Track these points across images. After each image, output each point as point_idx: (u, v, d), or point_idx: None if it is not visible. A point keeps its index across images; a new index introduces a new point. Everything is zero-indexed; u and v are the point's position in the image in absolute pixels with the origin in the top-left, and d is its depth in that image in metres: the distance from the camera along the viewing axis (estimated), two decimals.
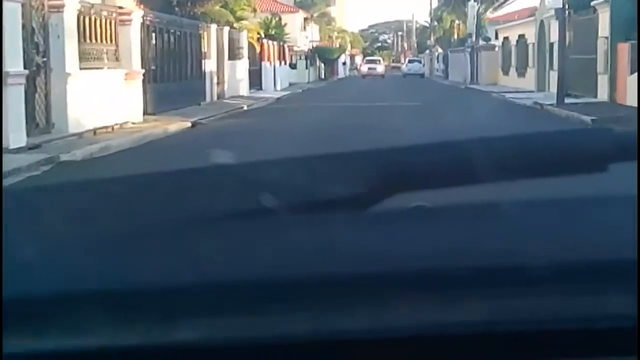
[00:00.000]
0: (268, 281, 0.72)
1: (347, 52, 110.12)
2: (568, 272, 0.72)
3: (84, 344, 0.70)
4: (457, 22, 68.71)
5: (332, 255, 0.75)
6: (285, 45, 57.48)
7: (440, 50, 78.19)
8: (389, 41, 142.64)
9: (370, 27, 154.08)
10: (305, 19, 75.90)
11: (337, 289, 0.71)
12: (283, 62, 45.85)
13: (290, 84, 46.18)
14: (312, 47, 62.42)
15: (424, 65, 70.93)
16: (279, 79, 41.78)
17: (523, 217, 0.81)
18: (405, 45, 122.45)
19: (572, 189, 0.85)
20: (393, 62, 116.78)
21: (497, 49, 45.20)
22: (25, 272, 0.74)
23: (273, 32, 57.30)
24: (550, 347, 0.71)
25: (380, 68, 66.22)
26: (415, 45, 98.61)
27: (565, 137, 0.91)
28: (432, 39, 76.71)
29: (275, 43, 42.96)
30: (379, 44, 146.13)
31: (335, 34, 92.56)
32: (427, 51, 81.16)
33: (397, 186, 0.84)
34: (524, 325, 0.71)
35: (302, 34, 70.37)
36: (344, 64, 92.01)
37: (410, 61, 71.36)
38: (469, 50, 45.92)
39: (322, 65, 63.33)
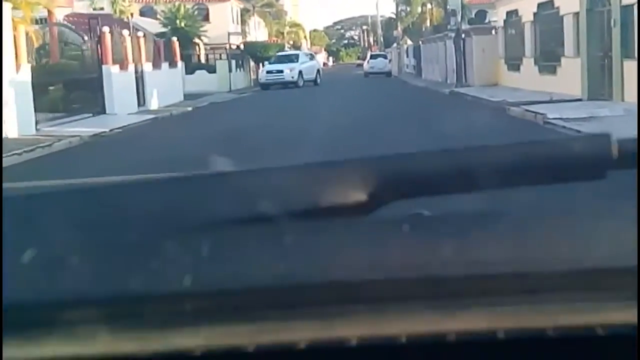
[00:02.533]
0: (266, 288, 0.72)
1: (307, 49, 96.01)
2: (567, 279, 0.71)
3: (83, 351, 0.69)
4: (429, 5, 52.62)
5: (331, 262, 0.74)
6: (200, 41, 41.20)
7: (409, 42, 61.92)
8: (356, 37, 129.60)
9: (336, 23, 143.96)
10: (246, 11, 59.77)
11: (335, 296, 0.71)
12: (171, 64, 29.01)
13: (192, 96, 29.79)
14: (241, 44, 45.59)
15: (390, 62, 54.43)
16: (154, 92, 25.00)
17: (522, 225, 0.80)
18: (371, 40, 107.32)
19: (571, 197, 0.84)
20: (358, 59, 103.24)
21: (495, 31, 28.60)
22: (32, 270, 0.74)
23: (183, 25, 41.16)
24: (550, 355, 0.71)
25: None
26: (382, 39, 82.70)
27: (563, 145, 0.90)
28: (399, 28, 60.27)
29: (144, 37, 26.08)
30: (346, 41, 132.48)
31: (287, 28, 76.58)
32: (395, 44, 64.79)
33: (396, 194, 0.84)
34: (524, 333, 0.69)
35: (237, 28, 54.15)
36: None
37: (372, 57, 54.86)
38: (453, 36, 29.36)
39: (255, 66, 46.58)
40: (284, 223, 0.79)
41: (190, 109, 25.20)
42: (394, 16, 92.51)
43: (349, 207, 0.81)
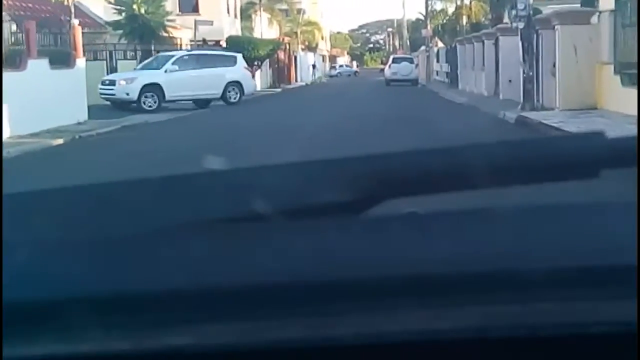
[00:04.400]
0: (260, 286, 0.71)
1: (327, 52, 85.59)
2: (562, 277, 0.70)
3: (76, 350, 0.69)
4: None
5: (324, 261, 0.73)
6: (168, 34, 30.13)
7: (440, 44, 50.35)
8: (382, 42, 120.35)
9: (361, 27, 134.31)
10: (251, 5, 48.60)
11: (329, 294, 0.70)
12: (65, 63, 17.60)
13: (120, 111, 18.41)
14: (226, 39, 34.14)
15: (417, 66, 42.78)
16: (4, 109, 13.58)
17: (516, 223, 0.79)
18: (397, 43, 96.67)
19: (565, 195, 0.83)
20: (382, 63, 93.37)
21: (595, 18, 16.84)
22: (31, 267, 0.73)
23: (143, 11, 30.00)
24: (544, 354, 0.70)
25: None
26: (408, 42, 71.31)
27: (556, 143, 0.91)
28: (428, 27, 48.60)
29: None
30: (371, 45, 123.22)
31: (302, 27, 65.36)
32: (422, 47, 53.33)
33: (390, 192, 0.83)
34: (518, 331, 0.69)
35: (235, 23, 43.09)
36: (314, 66, 65.42)
37: (395, 60, 43.36)
38: (521, 27, 17.58)
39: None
40: (276, 221, 0.78)
41: (61, 141, 13.87)
42: (422, 17, 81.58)
43: (342, 205, 0.80)
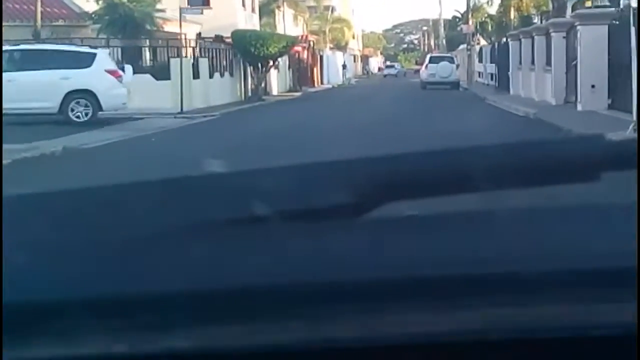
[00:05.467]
0: (259, 289, 0.71)
1: (359, 51, 79.88)
2: (561, 279, 0.70)
3: (76, 353, 0.69)
4: None
5: (324, 263, 0.73)
6: (155, 27, 24.51)
7: (482, 42, 44.25)
8: (416, 42, 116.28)
9: (395, 26, 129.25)
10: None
11: (328, 297, 0.70)
12: None
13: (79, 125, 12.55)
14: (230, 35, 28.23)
15: (458, 67, 36.53)
16: None
17: (516, 226, 0.79)
18: (432, 42, 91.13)
19: (564, 198, 0.83)
20: (416, 63, 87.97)
21: None
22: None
23: (125, 0, 24.29)
24: (543, 356, 0.71)
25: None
26: (444, 42, 65.32)
27: (557, 146, 0.89)
28: (470, 22, 42.34)
29: None
30: (405, 45, 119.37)
31: (330, 24, 59.59)
32: (461, 46, 47.16)
33: (389, 195, 0.83)
34: (517, 333, 0.69)
35: (252, 18, 37.37)
36: (344, 66, 59.65)
37: (433, 60, 37.08)
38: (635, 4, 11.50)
39: (252, 70, 29.09)
40: (277, 224, 0.78)
41: None
42: (459, 15, 75.52)
43: (343, 208, 0.79)
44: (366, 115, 19.10)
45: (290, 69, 39.94)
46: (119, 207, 0.83)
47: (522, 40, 25.25)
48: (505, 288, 0.68)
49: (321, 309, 0.68)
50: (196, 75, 23.94)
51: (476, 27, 43.96)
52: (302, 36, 43.07)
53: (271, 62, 29.35)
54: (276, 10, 45.09)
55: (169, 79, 22.49)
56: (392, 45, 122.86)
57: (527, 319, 0.67)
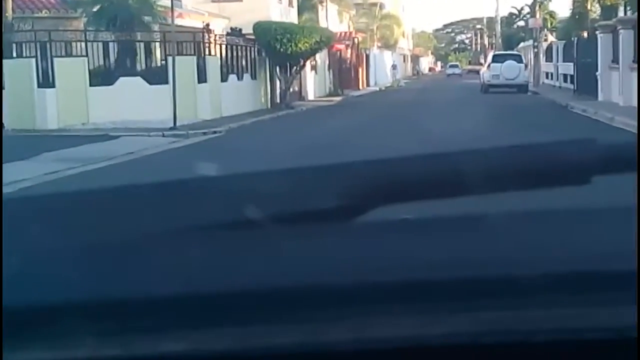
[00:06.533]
0: (254, 292, 0.70)
1: (409, 51, 74.43)
2: (557, 283, 0.69)
3: (70, 357, 0.68)
4: None
5: (318, 266, 0.73)
6: (159, 23, 19.36)
7: (551, 38, 38.32)
8: (467, 41, 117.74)
9: (446, 26, 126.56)
10: None
11: (323, 300, 0.69)
12: None
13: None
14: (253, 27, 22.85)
15: (526, 67, 30.75)
16: None
17: (511, 229, 0.79)
18: (486, 41, 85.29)
19: (558, 201, 0.82)
20: (470, 64, 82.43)
21: None
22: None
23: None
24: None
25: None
26: (500, 40, 59.38)
27: (547, 149, 0.88)
28: (537, 15, 36.45)
29: None
30: (456, 45, 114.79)
31: (378, 22, 54.10)
32: (522, 43, 41.28)
33: (384, 198, 0.82)
34: (512, 337, 0.68)
35: (289, 13, 32.24)
36: (394, 67, 54.09)
37: (497, 58, 31.20)
38: None
39: (278, 70, 23.62)
40: (270, 227, 0.78)
41: None
42: (516, 11, 69.22)
43: (336, 211, 0.79)
44: (418, 131, 13.64)
45: (331, 70, 34.61)
46: (113, 210, 0.82)
47: (622, 32, 19.51)
48: (499, 291, 0.67)
49: (315, 312, 0.68)
50: (202, 78, 18.71)
51: (544, 21, 38.10)
52: (344, 33, 37.72)
53: (302, 62, 23.92)
54: (319, 6, 39.78)
55: (165, 83, 17.32)
56: (443, 45, 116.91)
57: (521, 322, 0.67)
